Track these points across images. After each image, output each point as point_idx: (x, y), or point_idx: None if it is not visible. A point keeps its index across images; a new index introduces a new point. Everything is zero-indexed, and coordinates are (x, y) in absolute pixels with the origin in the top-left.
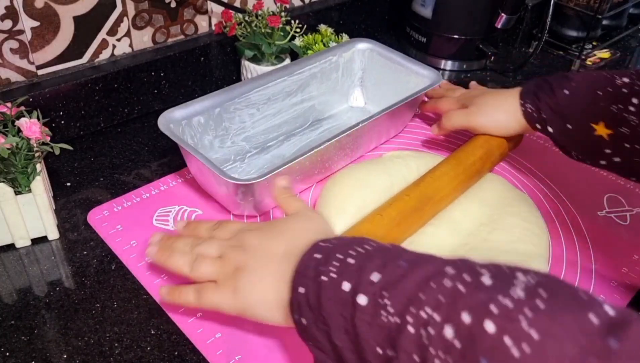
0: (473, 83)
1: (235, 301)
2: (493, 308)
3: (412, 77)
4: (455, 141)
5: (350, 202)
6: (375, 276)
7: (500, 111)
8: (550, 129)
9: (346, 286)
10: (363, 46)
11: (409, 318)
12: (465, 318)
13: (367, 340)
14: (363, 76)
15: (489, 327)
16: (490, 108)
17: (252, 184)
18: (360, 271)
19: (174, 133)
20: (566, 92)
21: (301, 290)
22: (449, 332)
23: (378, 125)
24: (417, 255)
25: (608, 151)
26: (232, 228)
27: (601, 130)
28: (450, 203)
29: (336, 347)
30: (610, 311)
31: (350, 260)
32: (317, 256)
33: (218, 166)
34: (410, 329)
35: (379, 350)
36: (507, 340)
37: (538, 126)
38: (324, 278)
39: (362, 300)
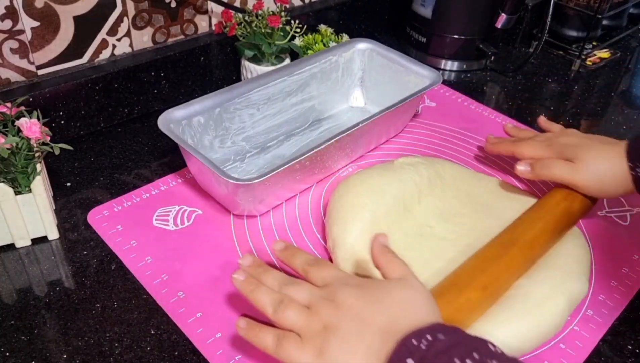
0: (545, 123)
1: None
2: None
3: (412, 77)
4: (461, 149)
5: (364, 209)
6: None
7: (609, 174)
8: None
9: None
10: (363, 46)
11: None
12: None
13: None
14: (363, 76)
15: None
16: (598, 168)
17: (252, 184)
18: None
19: (174, 133)
20: None
21: None
22: None
23: (378, 125)
24: None
25: None
26: (328, 274)
27: None
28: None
29: None
30: None
31: None
32: (410, 361)
33: (218, 166)
34: None
35: None
36: None
37: None
38: None
39: None
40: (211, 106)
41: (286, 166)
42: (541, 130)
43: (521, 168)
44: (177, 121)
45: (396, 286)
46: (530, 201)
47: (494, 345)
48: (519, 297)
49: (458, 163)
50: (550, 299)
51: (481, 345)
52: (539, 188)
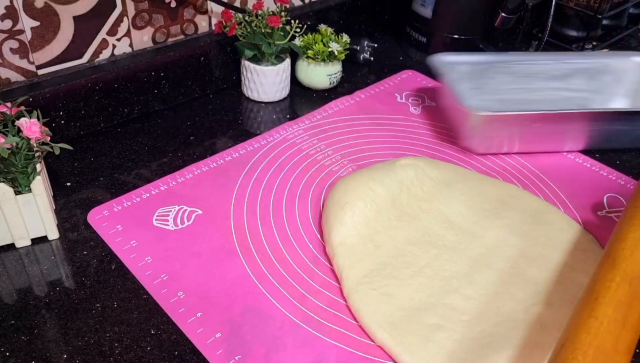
0: None
1: None
2: None
3: None
4: (461, 150)
5: (358, 199)
6: None
7: None
8: None
9: None
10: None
11: None
12: None
13: None
14: (636, 88)
15: None
16: None
17: (495, 115)
18: None
19: (442, 70)
20: None
21: None
22: None
23: (624, 124)
24: None
25: None
26: None
27: None
28: None
29: None
30: None
31: None
32: None
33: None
34: None
35: None
36: None
37: None
38: None
39: None
40: (479, 61)
41: (531, 112)
42: None
43: None
44: (446, 63)
45: None
46: (536, 201)
47: None
48: (552, 323)
49: (460, 164)
50: None
51: None
52: (538, 188)
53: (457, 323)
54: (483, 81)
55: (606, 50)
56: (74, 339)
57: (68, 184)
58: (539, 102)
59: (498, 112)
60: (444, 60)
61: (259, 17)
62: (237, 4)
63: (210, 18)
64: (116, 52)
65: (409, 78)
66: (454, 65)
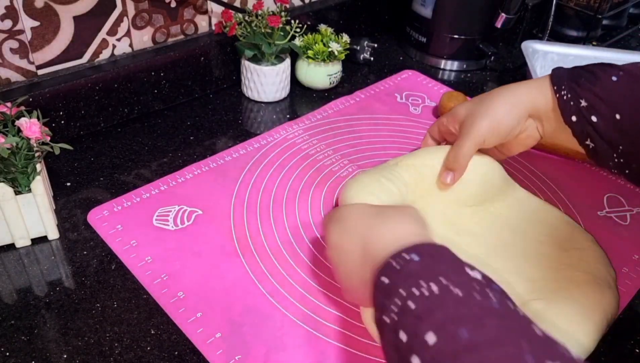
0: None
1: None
2: None
3: None
4: None
5: (369, 194)
6: (430, 338)
7: (510, 104)
8: (594, 119)
9: (403, 337)
10: None
11: None
12: None
13: None
14: None
15: None
16: (495, 103)
17: None
18: (418, 323)
19: (529, 56)
20: (614, 78)
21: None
22: None
23: None
24: (495, 316)
25: None
26: None
27: None
28: None
29: None
30: None
31: (411, 304)
32: (385, 280)
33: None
34: None
35: None
36: None
37: (574, 118)
38: (385, 318)
39: (415, 361)
40: (568, 53)
41: None
42: None
43: (446, 180)
44: (537, 50)
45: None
46: (536, 200)
47: (472, 268)
48: (550, 319)
49: None
50: (584, 323)
51: (454, 269)
52: (538, 188)
53: None
54: None
55: None
56: (74, 339)
57: (68, 184)
58: None
59: None
60: (533, 47)
61: (259, 17)
62: (237, 4)
63: (210, 18)
64: (116, 52)
65: (409, 78)
66: (543, 53)
